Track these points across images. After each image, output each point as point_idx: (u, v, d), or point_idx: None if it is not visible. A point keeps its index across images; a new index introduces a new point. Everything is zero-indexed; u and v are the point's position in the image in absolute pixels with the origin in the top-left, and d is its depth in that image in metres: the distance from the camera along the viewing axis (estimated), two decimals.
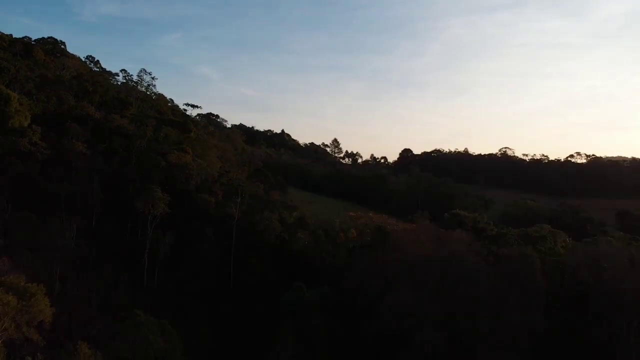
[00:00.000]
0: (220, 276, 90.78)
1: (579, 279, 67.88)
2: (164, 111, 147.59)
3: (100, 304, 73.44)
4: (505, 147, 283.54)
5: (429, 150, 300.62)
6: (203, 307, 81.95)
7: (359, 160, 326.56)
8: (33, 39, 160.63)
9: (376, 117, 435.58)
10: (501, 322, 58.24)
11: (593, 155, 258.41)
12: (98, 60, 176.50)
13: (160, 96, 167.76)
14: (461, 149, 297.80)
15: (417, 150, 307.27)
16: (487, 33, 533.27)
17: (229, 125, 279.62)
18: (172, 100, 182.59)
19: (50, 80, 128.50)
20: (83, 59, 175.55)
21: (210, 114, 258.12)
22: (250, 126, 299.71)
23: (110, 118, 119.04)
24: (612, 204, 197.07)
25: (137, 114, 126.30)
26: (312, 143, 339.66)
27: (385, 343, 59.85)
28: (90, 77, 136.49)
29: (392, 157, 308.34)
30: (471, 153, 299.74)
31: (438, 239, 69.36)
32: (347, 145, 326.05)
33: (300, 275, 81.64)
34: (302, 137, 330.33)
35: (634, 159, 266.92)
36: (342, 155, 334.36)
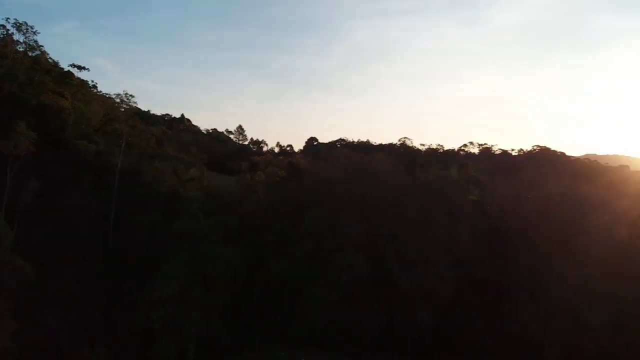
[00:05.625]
0: (95, 231, 75.49)
1: (502, 210, 63.43)
2: (45, 65, 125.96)
3: None
4: (405, 137, 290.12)
5: (334, 139, 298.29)
6: (71, 267, 66.67)
7: (265, 148, 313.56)
8: None
9: (281, 116, 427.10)
10: (427, 244, 51.56)
11: (485, 144, 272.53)
12: None
13: (43, 54, 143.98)
14: (364, 139, 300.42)
15: (323, 140, 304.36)
16: (390, 37, 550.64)
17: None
18: (57, 63, 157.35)
19: None
20: None
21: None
22: (146, 109, 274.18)
23: None
24: None
25: (10, 60, 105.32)
26: (215, 129, 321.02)
27: (298, 272, 50.51)
28: None
29: (298, 148, 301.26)
30: (373, 143, 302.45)
31: (359, 163, 61.54)
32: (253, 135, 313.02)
33: None
34: (205, 126, 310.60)
35: (521, 149, 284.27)
36: (247, 142, 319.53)
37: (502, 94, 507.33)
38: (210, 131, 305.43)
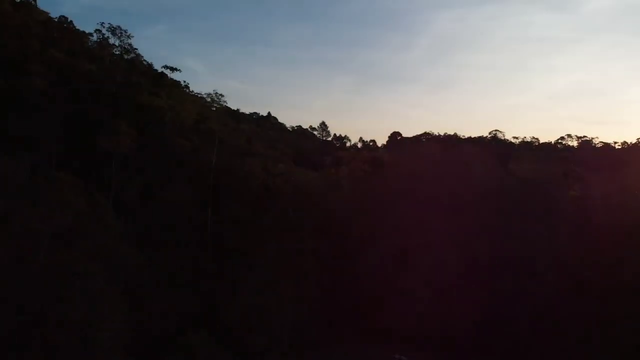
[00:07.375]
0: (195, 223, 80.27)
1: (608, 206, 58.83)
2: (140, 67, 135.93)
3: None
4: (496, 130, 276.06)
5: (419, 133, 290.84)
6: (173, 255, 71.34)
7: (348, 144, 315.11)
8: None
9: (363, 111, 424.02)
10: (525, 242, 49.20)
11: (584, 136, 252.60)
12: (71, 21, 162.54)
13: (137, 56, 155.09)
14: (451, 133, 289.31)
15: (407, 134, 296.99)
16: (475, 27, 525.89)
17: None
18: (151, 64, 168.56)
19: (13, 25, 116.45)
20: (55, 19, 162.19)
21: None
22: (235, 108, 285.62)
23: (77, 62, 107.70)
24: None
25: (108, 62, 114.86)
26: (300, 126, 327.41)
27: (387, 266, 50.29)
28: (58, 24, 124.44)
29: (382, 143, 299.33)
30: (461, 136, 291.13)
31: (447, 156, 59.85)
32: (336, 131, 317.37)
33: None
34: (290, 123, 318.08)
35: (624, 143, 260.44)
36: (330, 138, 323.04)
37: (598, 84, 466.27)
38: (295, 128, 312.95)
